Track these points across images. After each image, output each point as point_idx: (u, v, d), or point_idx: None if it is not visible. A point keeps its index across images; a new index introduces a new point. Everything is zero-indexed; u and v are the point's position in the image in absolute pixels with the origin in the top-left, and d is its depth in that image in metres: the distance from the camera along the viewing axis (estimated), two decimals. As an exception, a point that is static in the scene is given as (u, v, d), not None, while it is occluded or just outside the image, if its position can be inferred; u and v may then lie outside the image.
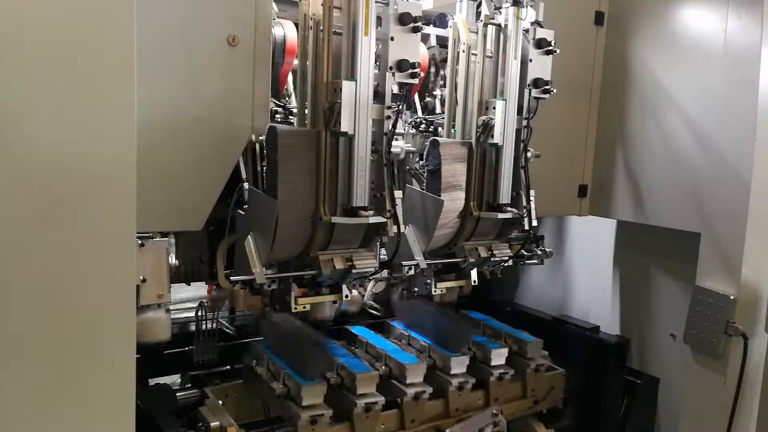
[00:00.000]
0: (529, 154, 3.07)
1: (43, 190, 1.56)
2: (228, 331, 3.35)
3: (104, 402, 1.70)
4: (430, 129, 3.30)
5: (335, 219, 2.46)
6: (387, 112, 2.51)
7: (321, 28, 2.41)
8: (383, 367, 2.89)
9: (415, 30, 2.49)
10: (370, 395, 2.69)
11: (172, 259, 2.63)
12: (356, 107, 2.39)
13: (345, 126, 2.38)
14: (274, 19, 2.67)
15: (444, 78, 3.28)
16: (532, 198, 3.05)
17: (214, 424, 2.60)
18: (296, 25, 2.64)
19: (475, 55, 2.96)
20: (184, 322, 3.26)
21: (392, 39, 2.46)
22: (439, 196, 2.87)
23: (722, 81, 2.94)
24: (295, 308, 2.59)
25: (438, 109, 3.41)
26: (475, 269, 3.19)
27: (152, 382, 3.01)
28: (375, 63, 2.46)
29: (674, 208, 3.18)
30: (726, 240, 2.94)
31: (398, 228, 2.56)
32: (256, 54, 2.43)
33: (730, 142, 2.92)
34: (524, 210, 3.02)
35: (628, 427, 3.53)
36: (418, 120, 3.33)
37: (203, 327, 3.07)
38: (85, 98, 1.59)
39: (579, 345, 3.69)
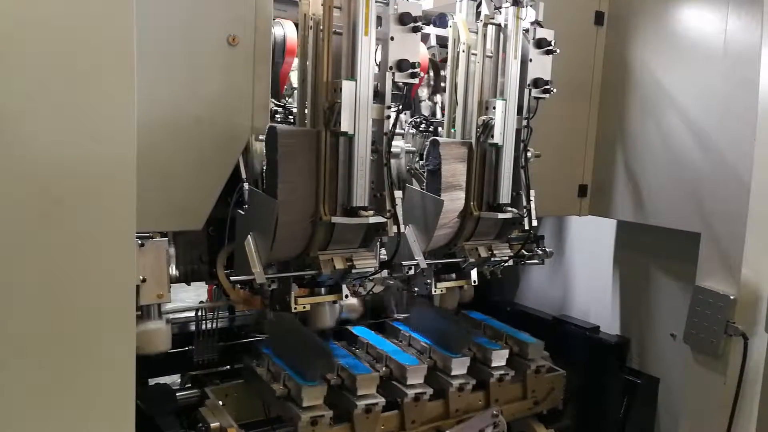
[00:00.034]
0: (529, 154, 3.06)
1: (43, 190, 1.56)
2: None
3: (104, 402, 1.70)
4: (430, 129, 3.31)
5: (335, 219, 2.46)
6: (387, 112, 2.51)
7: (321, 27, 2.41)
8: (384, 368, 2.88)
9: (415, 30, 2.49)
10: (371, 396, 2.68)
11: (173, 270, 2.64)
12: (356, 107, 2.39)
13: (345, 126, 2.38)
14: (274, 19, 2.67)
15: (444, 81, 3.28)
16: (532, 198, 3.05)
17: (215, 424, 2.60)
18: (296, 24, 2.64)
19: (475, 54, 2.96)
20: (184, 322, 3.26)
21: (392, 39, 2.46)
22: (439, 195, 2.87)
23: (722, 81, 2.94)
24: (295, 308, 2.59)
25: (438, 114, 3.41)
26: (475, 269, 3.19)
27: (152, 382, 3.01)
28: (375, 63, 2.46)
29: (674, 208, 3.18)
30: (726, 240, 2.94)
31: (398, 228, 2.56)
32: (256, 54, 2.43)
33: (730, 142, 2.92)
34: (524, 210, 3.02)
35: (628, 427, 3.53)
36: (418, 120, 3.33)
37: (203, 327, 3.06)
38: (85, 98, 1.59)
39: (579, 345, 3.69)
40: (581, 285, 4.01)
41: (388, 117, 2.52)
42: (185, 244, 2.78)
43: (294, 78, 2.82)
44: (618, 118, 3.45)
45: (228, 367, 3.21)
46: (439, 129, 3.24)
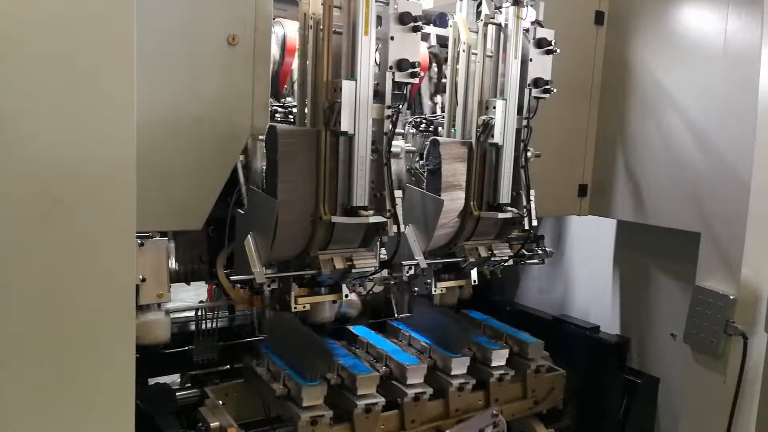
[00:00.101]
0: (529, 154, 3.07)
1: (43, 190, 1.56)
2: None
3: (104, 402, 1.70)
4: (430, 128, 3.31)
5: (335, 218, 2.46)
6: (387, 112, 2.51)
7: (321, 27, 2.41)
8: (384, 368, 2.88)
9: (415, 29, 2.49)
10: (371, 396, 2.68)
11: (172, 263, 2.64)
12: (356, 107, 2.39)
13: (345, 125, 2.38)
14: (274, 19, 2.67)
15: (444, 81, 3.28)
16: (532, 198, 3.05)
17: (214, 424, 2.60)
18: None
19: (476, 54, 2.96)
20: (184, 322, 3.26)
21: (392, 38, 2.46)
22: (439, 195, 2.87)
23: (722, 81, 2.94)
24: (295, 308, 2.59)
25: (438, 113, 3.41)
26: (475, 269, 3.19)
27: (152, 381, 3.01)
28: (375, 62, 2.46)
29: (674, 208, 3.18)
30: (726, 240, 2.94)
31: (398, 228, 2.56)
32: (256, 54, 2.43)
33: (730, 142, 2.92)
34: (524, 210, 3.02)
35: (628, 427, 3.53)
36: (419, 120, 3.33)
37: (203, 326, 3.06)
38: (85, 98, 1.58)
39: (579, 345, 3.69)
40: (581, 285, 4.01)
41: (388, 117, 2.52)
42: (185, 244, 2.78)
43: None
44: (618, 118, 3.45)
45: (228, 366, 3.21)
46: (439, 129, 3.24)
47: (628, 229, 3.68)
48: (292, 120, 2.82)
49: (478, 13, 3.00)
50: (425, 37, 3.34)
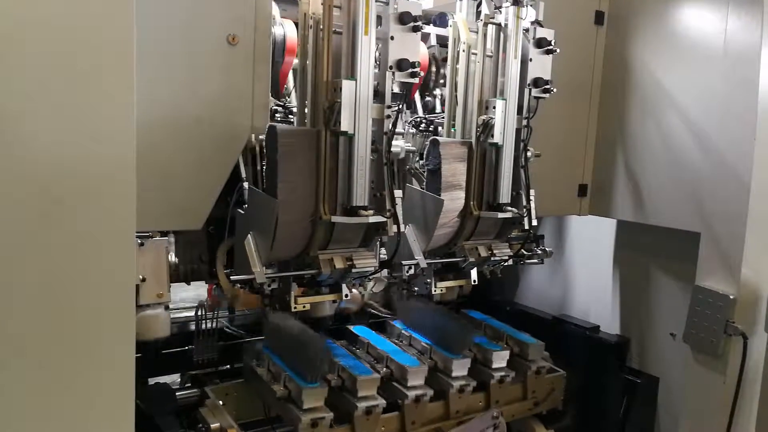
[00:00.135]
0: (529, 154, 3.07)
1: (43, 190, 1.55)
2: (229, 330, 3.34)
3: (104, 402, 1.70)
4: (430, 128, 3.31)
5: (335, 218, 2.46)
6: (387, 112, 2.51)
7: (321, 27, 2.41)
8: (384, 369, 2.87)
9: (415, 29, 2.49)
10: (371, 398, 2.67)
11: (172, 257, 2.63)
12: (356, 106, 2.39)
13: (345, 125, 2.38)
14: (274, 18, 2.67)
15: (444, 77, 3.28)
16: (532, 197, 3.05)
17: (215, 425, 2.60)
18: (296, 24, 2.64)
19: (475, 54, 2.96)
20: (184, 322, 3.26)
21: (392, 38, 2.46)
22: (439, 195, 2.87)
23: (722, 81, 2.94)
24: (295, 307, 2.59)
25: (438, 109, 3.41)
26: (475, 269, 3.19)
27: (152, 381, 3.01)
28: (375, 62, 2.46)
29: (674, 208, 3.18)
30: (726, 240, 2.94)
31: (398, 227, 2.56)
32: (256, 53, 2.44)
33: (730, 142, 2.92)
34: (524, 209, 3.02)
35: (628, 427, 3.53)
36: (418, 119, 3.33)
37: (203, 326, 3.06)
38: (85, 98, 1.58)
39: (579, 344, 3.69)
40: (581, 285, 4.02)
41: (388, 116, 2.52)
42: (185, 244, 2.78)
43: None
44: (618, 118, 3.45)
45: (228, 366, 3.21)
46: (439, 128, 3.24)
47: (628, 229, 3.68)
48: (292, 120, 2.82)
49: (478, 13, 3.00)
50: (425, 37, 3.34)
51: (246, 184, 2.58)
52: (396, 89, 2.54)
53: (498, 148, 2.93)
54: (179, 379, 3.35)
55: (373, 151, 2.51)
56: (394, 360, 2.91)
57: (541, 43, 2.92)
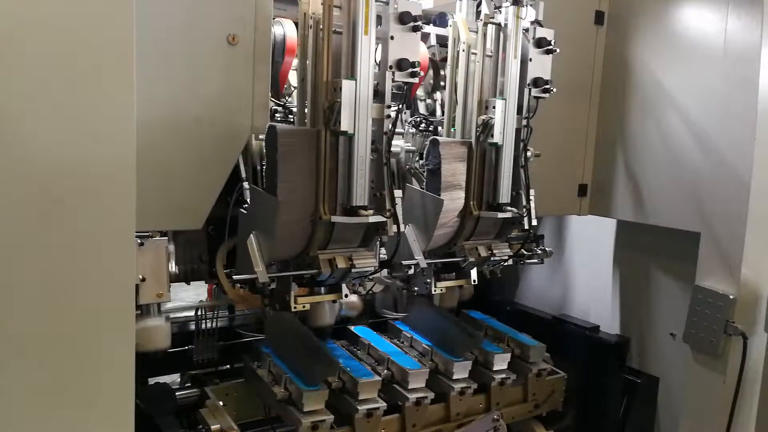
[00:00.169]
0: (528, 154, 3.07)
1: (43, 190, 1.56)
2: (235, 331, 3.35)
3: (103, 401, 1.70)
4: (430, 128, 3.30)
5: (335, 218, 2.46)
6: (387, 112, 2.51)
7: (321, 27, 2.41)
8: (385, 371, 2.86)
9: (415, 29, 2.49)
10: (372, 401, 2.66)
11: (172, 267, 2.64)
12: (356, 106, 2.39)
13: (345, 125, 2.38)
14: (274, 18, 2.67)
15: (444, 79, 3.28)
16: (531, 197, 3.05)
17: (215, 426, 2.59)
18: (296, 24, 2.64)
19: (475, 54, 2.96)
20: (184, 322, 3.26)
21: (392, 38, 2.46)
22: (439, 195, 2.87)
23: (722, 81, 2.94)
24: (295, 307, 2.59)
25: (438, 112, 3.41)
26: (475, 268, 3.18)
27: (152, 381, 3.01)
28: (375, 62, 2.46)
29: (674, 208, 3.18)
30: (726, 240, 2.94)
31: (398, 227, 2.56)
32: (256, 53, 2.43)
33: (730, 142, 2.92)
34: (524, 209, 3.02)
35: (628, 427, 3.53)
36: (418, 119, 3.33)
37: (203, 326, 3.06)
38: (85, 98, 1.58)
39: (579, 344, 3.69)
40: (581, 284, 4.02)
41: (388, 116, 2.52)
42: (185, 244, 2.78)
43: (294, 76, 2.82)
44: (618, 118, 3.45)
45: (228, 366, 3.21)
46: (439, 128, 3.24)
47: (628, 229, 3.68)
48: (292, 120, 2.82)
49: (478, 13, 3.00)
50: (425, 37, 3.34)
51: (246, 184, 2.59)
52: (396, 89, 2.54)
53: (498, 148, 2.93)
54: (179, 379, 3.35)
55: (373, 150, 2.51)
56: (395, 362, 2.90)
57: (540, 42, 2.92)
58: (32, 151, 1.53)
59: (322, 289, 2.67)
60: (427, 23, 3.34)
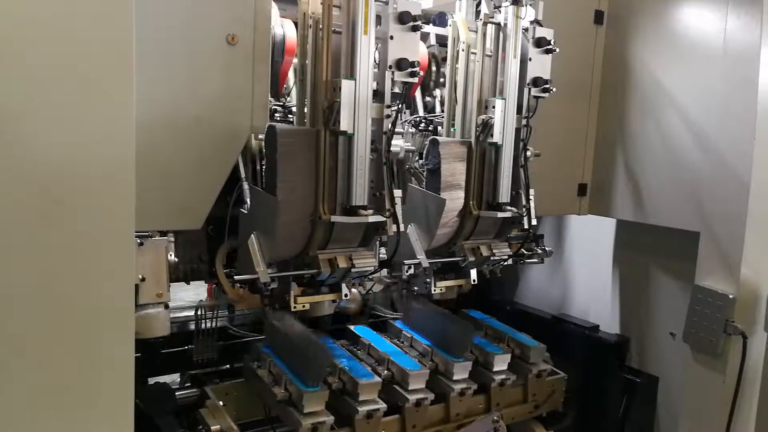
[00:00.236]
0: (528, 153, 3.07)
1: (43, 190, 1.56)
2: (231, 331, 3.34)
3: (103, 401, 1.70)
4: (430, 128, 3.31)
5: (335, 218, 2.46)
6: (386, 111, 2.51)
7: (320, 26, 2.42)
8: (385, 372, 2.86)
9: (415, 29, 2.49)
10: (372, 402, 2.66)
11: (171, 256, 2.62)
12: (356, 106, 2.39)
13: (344, 125, 2.39)
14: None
15: (444, 77, 3.28)
16: (531, 197, 3.05)
17: (215, 427, 2.59)
18: (296, 24, 2.64)
19: (475, 53, 2.96)
20: (184, 321, 3.26)
21: (392, 38, 2.46)
22: (439, 195, 2.87)
23: (722, 81, 2.94)
24: (295, 307, 2.59)
25: (438, 109, 3.41)
26: (475, 268, 3.18)
27: (152, 381, 3.01)
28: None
29: (674, 208, 3.18)
30: (725, 239, 2.94)
31: (397, 227, 2.56)
32: (256, 53, 2.43)
33: (729, 142, 2.92)
34: (524, 209, 3.02)
35: (628, 426, 3.53)
36: (418, 119, 3.33)
37: (203, 326, 3.06)
38: (84, 98, 1.58)
39: (578, 344, 3.69)
40: (581, 284, 4.02)
41: (388, 116, 2.52)
42: (185, 244, 2.78)
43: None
44: (618, 118, 3.45)
45: (228, 366, 3.21)
46: (439, 128, 3.24)
47: (628, 229, 3.69)
48: (291, 120, 2.82)
49: (477, 13, 3.00)
50: (424, 37, 3.34)
51: (246, 184, 2.59)
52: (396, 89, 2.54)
53: (497, 148, 2.93)
54: (179, 379, 3.35)
55: (373, 150, 2.52)
56: (395, 363, 2.90)
57: (540, 42, 2.92)
58: (32, 151, 1.53)
59: (322, 288, 2.66)
60: (427, 23, 3.34)
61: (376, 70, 2.48)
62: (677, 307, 3.25)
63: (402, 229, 2.59)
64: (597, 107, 3.54)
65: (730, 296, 2.90)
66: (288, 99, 2.94)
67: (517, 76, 2.91)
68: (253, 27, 2.41)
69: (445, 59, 3.17)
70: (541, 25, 2.94)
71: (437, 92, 3.44)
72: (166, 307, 2.53)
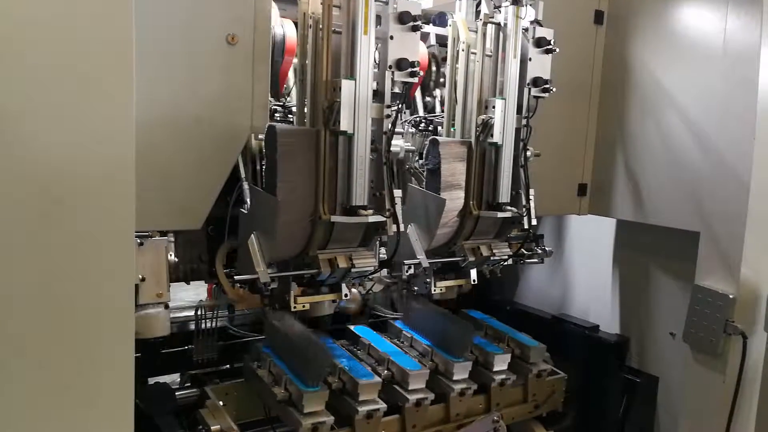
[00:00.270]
0: (528, 153, 3.07)
1: (43, 190, 1.56)
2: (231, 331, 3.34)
3: (103, 401, 1.70)
4: (430, 128, 3.31)
5: (335, 218, 2.46)
6: (386, 111, 2.51)
7: (320, 26, 2.42)
8: (385, 372, 2.86)
9: (415, 29, 2.49)
10: (372, 402, 2.66)
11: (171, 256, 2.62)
12: (356, 106, 2.39)
13: (344, 125, 2.39)
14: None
15: (444, 77, 3.28)
16: (531, 197, 3.05)
17: (215, 426, 2.59)
18: (296, 24, 2.64)
19: (475, 53, 2.96)
20: (184, 321, 3.26)
21: (392, 38, 2.46)
22: (439, 195, 2.87)
23: (722, 81, 2.94)
24: (295, 307, 2.59)
25: (438, 109, 3.41)
26: (475, 268, 3.18)
27: (152, 381, 3.01)
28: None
29: (674, 208, 3.18)
30: (725, 239, 2.94)
31: (397, 227, 2.56)
32: (256, 53, 2.43)
33: (729, 142, 2.92)
34: (524, 209, 3.02)
35: (628, 426, 3.53)
36: (418, 119, 3.33)
37: (203, 326, 3.06)
38: (84, 98, 1.58)
39: (578, 344, 3.69)
40: (581, 284, 4.02)
41: (388, 116, 2.52)
42: (185, 244, 2.78)
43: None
44: (618, 118, 3.45)
45: (228, 366, 3.21)
46: (439, 128, 3.24)
47: (628, 229, 3.69)
48: (291, 120, 2.82)
49: (477, 13, 3.00)
50: (425, 37, 3.34)
51: (246, 184, 2.59)
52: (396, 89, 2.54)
53: (497, 148, 2.93)
54: (179, 379, 3.35)
55: (373, 150, 2.52)
56: (395, 363, 2.90)
57: (540, 42, 2.92)
58: (32, 151, 1.54)
59: (322, 288, 2.66)
60: (427, 23, 3.34)
61: (376, 70, 2.48)
62: (677, 307, 3.25)
63: (402, 229, 2.59)
64: (597, 107, 3.54)
65: (730, 296, 2.90)
66: (288, 99, 2.94)
67: (517, 76, 2.91)
68: (253, 27, 2.41)
69: (445, 59, 3.17)
70: (541, 25, 2.94)
71: (437, 92, 3.44)
72: (166, 307, 2.53)
